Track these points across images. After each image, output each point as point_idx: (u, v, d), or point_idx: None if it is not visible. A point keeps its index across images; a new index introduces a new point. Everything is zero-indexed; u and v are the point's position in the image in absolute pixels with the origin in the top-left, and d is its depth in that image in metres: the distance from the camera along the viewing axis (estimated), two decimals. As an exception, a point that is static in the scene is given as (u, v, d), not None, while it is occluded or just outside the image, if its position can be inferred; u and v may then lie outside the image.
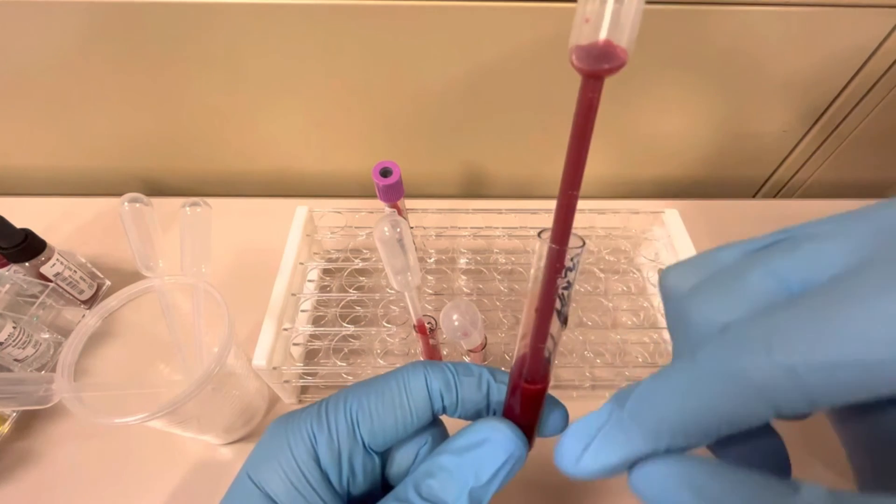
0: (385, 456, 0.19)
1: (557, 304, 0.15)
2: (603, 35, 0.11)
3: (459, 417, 0.19)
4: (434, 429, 0.20)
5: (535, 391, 0.17)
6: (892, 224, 0.13)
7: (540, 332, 0.16)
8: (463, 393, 0.19)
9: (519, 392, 0.17)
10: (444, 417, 0.20)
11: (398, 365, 0.36)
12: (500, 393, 0.19)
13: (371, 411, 0.18)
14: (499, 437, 0.16)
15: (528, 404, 0.17)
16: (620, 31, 0.11)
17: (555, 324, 0.16)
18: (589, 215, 0.41)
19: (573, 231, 0.14)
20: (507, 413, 0.18)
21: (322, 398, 0.19)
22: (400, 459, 0.20)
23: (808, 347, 0.11)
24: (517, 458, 0.16)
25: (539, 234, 0.15)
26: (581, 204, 0.47)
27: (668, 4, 0.38)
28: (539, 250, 0.15)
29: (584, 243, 0.15)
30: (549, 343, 0.16)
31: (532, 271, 0.16)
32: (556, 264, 0.15)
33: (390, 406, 0.18)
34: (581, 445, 0.14)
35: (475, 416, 0.19)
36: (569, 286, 0.15)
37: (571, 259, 0.15)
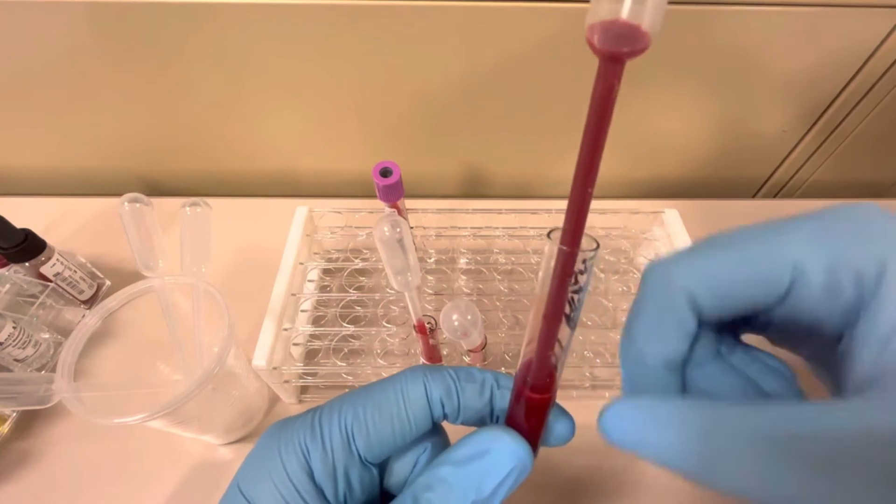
0: (383, 466, 0.19)
1: (567, 309, 0.14)
2: (625, 13, 0.10)
3: (461, 424, 0.18)
4: (434, 436, 0.19)
5: (540, 400, 0.16)
6: None
7: (547, 339, 0.15)
8: (465, 400, 0.18)
9: (523, 400, 0.16)
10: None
11: (398, 365, 0.37)
12: (504, 400, 0.18)
13: (367, 423, 0.17)
14: (502, 448, 0.16)
15: (533, 413, 0.16)
16: (644, 9, 0.10)
17: (564, 330, 0.15)
18: (589, 215, 0.41)
19: (587, 232, 0.13)
20: (511, 421, 0.17)
21: (316, 406, 0.18)
22: (398, 469, 0.19)
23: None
24: (522, 469, 0.16)
25: (549, 234, 0.14)
26: (581, 204, 0.46)
27: (668, 5, 0.38)
28: (548, 251, 0.14)
29: (597, 245, 0.14)
30: (557, 350, 0.15)
31: (540, 274, 0.15)
32: (567, 268, 0.14)
33: (387, 417, 0.17)
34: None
35: (478, 423, 0.18)
36: (580, 290, 0.14)
37: (584, 262, 0.14)
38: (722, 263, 0.15)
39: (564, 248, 0.13)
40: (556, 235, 0.14)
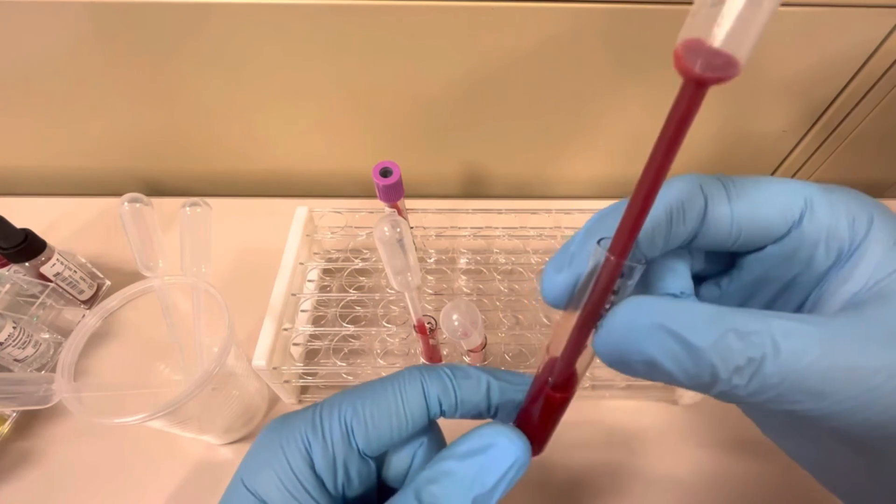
0: (380, 458, 0.19)
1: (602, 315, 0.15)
2: (723, 41, 0.10)
3: (460, 418, 0.19)
4: (430, 431, 0.20)
5: (561, 399, 0.16)
6: None
7: (577, 342, 0.15)
8: (462, 396, 0.18)
9: (542, 400, 0.16)
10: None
11: (398, 365, 0.37)
12: (501, 392, 0.19)
13: (366, 419, 0.18)
14: (504, 442, 0.16)
15: (551, 412, 0.17)
16: (745, 40, 0.10)
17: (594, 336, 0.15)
18: (589, 215, 0.41)
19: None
20: (524, 419, 0.17)
21: (317, 402, 0.19)
22: (396, 462, 0.19)
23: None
24: (522, 464, 0.16)
25: (598, 242, 0.14)
26: (580, 204, 0.47)
27: (669, 4, 0.38)
28: (594, 258, 0.14)
29: (646, 261, 0.14)
30: (585, 353, 0.15)
31: (581, 280, 0.15)
32: (612, 276, 0.14)
33: (386, 414, 0.18)
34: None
35: (476, 417, 0.19)
36: (617, 293, 0.14)
37: (626, 274, 0.14)
38: (748, 194, 0.17)
39: (612, 257, 0.13)
40: (606, 244, 0.14)
